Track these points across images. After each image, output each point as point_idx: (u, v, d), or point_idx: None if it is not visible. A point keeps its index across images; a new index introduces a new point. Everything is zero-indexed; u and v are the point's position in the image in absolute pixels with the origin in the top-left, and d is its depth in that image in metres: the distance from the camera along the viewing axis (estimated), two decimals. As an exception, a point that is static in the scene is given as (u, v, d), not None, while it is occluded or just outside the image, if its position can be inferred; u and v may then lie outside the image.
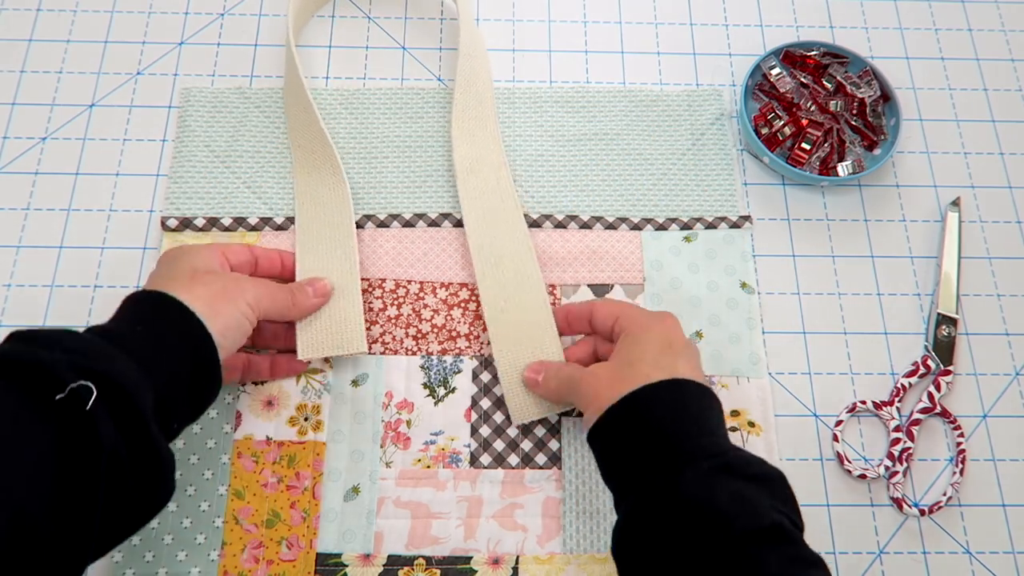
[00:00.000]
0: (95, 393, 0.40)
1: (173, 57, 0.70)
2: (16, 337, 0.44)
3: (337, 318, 0.58)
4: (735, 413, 0.59)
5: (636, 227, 0.64)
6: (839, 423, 0.60)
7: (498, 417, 0.59)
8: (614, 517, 0.54)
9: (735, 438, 0.59)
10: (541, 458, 0.58)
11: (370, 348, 0.60)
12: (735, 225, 0.65)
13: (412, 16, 0.73)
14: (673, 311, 0.61)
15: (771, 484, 0.45)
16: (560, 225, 0.64)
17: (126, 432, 0.42)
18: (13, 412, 0.39)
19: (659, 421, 0.46)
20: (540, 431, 0.58)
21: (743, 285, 0.63)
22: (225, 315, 0.49)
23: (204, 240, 0.62)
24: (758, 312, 0.63)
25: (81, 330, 0.46)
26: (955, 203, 0.67)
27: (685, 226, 0.65)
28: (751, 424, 0.59)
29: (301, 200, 0.64)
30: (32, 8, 0.71)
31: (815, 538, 0.57)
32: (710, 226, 0.65)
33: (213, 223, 0.63)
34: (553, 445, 0.58)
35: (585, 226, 0.64)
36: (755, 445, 0.59)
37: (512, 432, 0.58)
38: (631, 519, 0.45)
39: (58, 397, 0.40)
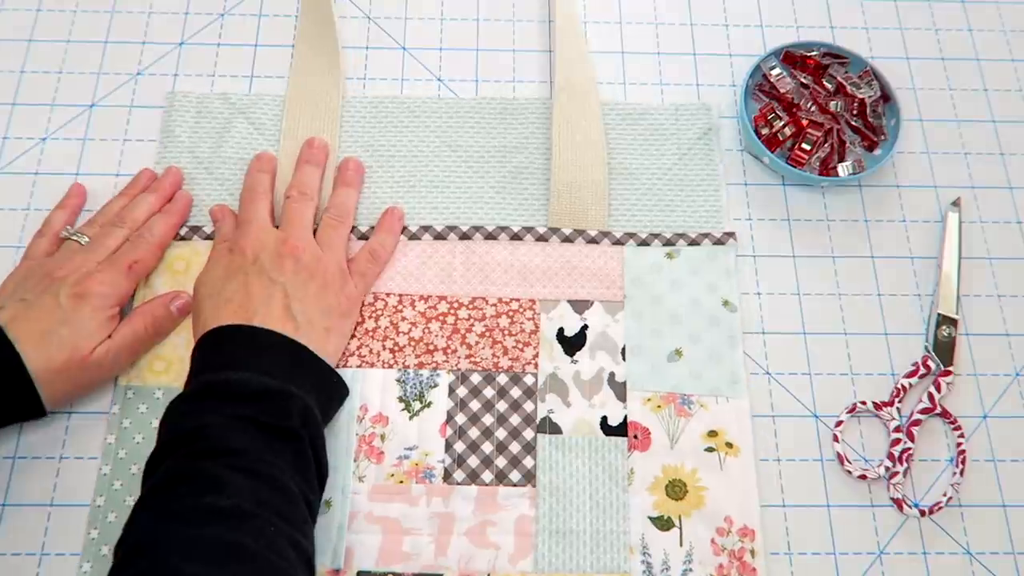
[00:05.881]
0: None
1: (173, 57, 0.70)
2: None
3: None
4: (713, 433, 0.58)
5: (618, 242, 0.64)
6: (839, 423, 0.60)
7: (473, 433, 0.58)
8: (588, 537, 0.55)
9: (712, 459, 0.58)
10: (515, 475, 0.57)
11: (346, 361, 0.59)
12: (718, 242, 0.64)
13: (412, 16, 0.73)
14: (654, 328, 0.61)
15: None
16: (541, 239, 0.63)
17: None
18: None
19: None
20: (515, 448, 0.58)
21: (725, 303, 0.62)
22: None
23: (184, 249, 0.62)
24: (739, 331, 0.62)
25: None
26: (955, 203, 0.67)
27: (668, 242, 0.64)
28: (728, 445, 0.58)
29: (295, 75, 0.68)
30: (32, 8, 0.71)
31: (815, 538, 0.57)
32: (693, 242, 0.64)
33: (195, 231, 0.63)
34: (528, 462, 0.57)
35: (567, 240, 0.63)
36: (732, 467, 0.58)
37: (487, 449, 0.57)
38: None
39: None
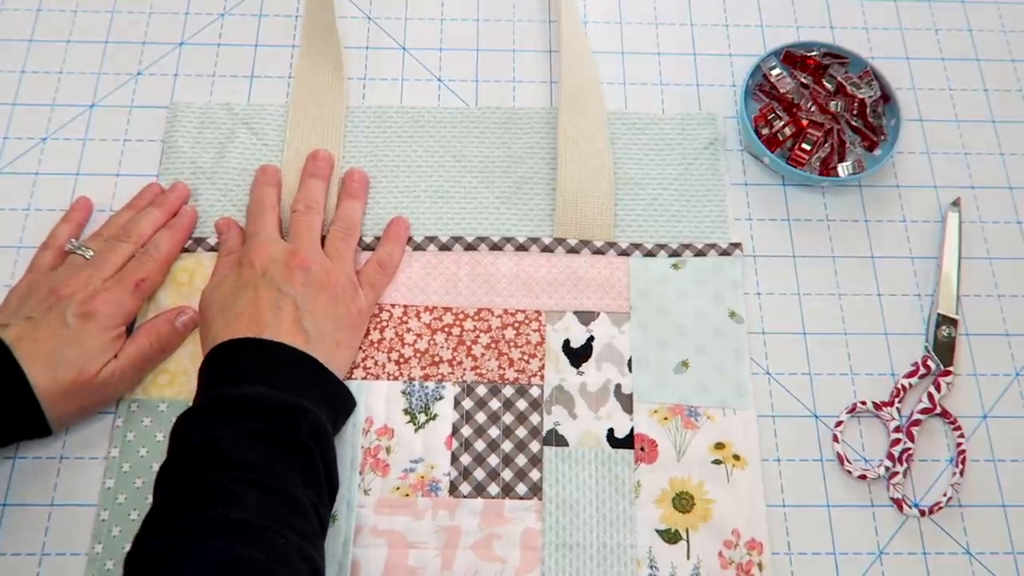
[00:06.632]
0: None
1: (173, 57, 0.70)
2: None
3: None
4: (720, 446, 0.58)
5: (624, 252, 0.63)
6: (839, 423, 0.60)
7: (479, 445, 0.58)
8: (595, 550, 0.55)
9: (719, 472, 0.58)
10: (522, 488, 0.56)
11: (351, 373, 0.59)
12: (725, 252, 0.64)
13: (412, 16, 0.73)
14: (660, 339, 0.61)
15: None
16: (547, 249, 0.63)
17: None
18: None
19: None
20: (521, 460, 0.57)
21: (731, 314, 0.62)
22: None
23: (188, 261, 0.62)
24: (745, 342, 0.61)
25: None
26: (955, 203, 0.67)
27: (674, 253, 0.63)
28: (736, 457, 0.58)
29: (298, 85, 0.67)
30: (32, 8, 0.71)
31: (815, 538, 0.57)
32: (699, 253, 0.64)
33: (199, 243, 0.62)
34: (534, 475, 0.57)
35: (572, 250, 0.63)
36: (739, 479, 0.57)
37: (493, 461, 0.57)
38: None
39: None
